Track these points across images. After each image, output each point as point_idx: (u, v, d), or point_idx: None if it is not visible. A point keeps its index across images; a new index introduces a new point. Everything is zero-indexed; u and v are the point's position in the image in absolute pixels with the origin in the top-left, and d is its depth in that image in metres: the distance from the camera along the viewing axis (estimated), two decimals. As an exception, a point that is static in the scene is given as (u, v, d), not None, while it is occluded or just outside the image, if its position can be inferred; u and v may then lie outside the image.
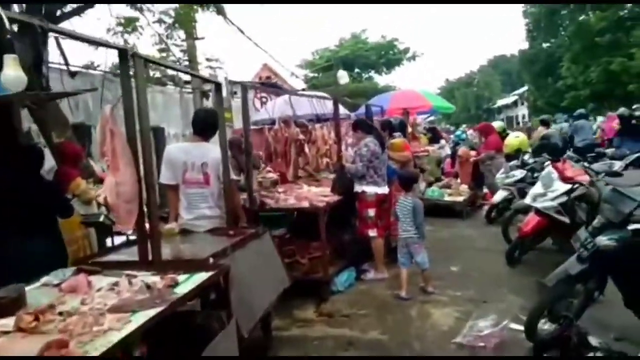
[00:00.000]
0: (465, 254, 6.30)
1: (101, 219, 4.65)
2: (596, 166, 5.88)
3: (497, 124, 10.92)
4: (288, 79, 25.21)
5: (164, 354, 2.58)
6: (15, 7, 6.28)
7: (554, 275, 3.53)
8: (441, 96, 22.55)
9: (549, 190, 5.33)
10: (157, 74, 13.84)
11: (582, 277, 3.46)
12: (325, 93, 9.52)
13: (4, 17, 1.98)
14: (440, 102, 13.97)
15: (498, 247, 6.42)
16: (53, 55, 10.89)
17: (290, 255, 5.53)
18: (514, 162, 7.91)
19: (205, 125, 3.96)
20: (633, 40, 24.26)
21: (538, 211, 5.37)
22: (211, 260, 2.86)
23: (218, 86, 3.99)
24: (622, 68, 23.37)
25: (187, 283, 2.55)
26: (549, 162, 6.94)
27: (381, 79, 33.65)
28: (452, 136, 18.14)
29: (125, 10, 9.31)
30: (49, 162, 6.05)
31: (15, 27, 7.11)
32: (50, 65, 10.06)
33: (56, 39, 10.29)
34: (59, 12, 7.91)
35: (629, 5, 26.04)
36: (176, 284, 2.51)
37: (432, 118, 25.19)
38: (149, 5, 9.66)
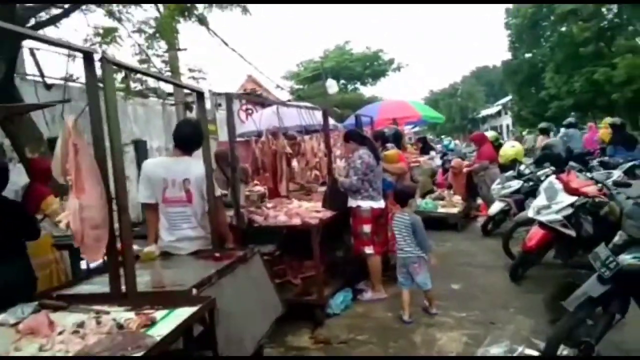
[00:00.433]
0: (466, 270, 5.98)
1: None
2: (595, 175, 5.66)
3: (490, 134, 10.70)
4: (273, 90, 24.94)
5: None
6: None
7: (574, 299, 3.23)
8: (427, 107, 22.42)
9: (553, 203, 5.06)
10: (139, 86, 13.41)
11: (604, 299, 3.17)
12: (313, 104, 9.21)
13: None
14: (429, 112, 13.77)
15: (499, 262, 6.13)
16: (28, 67, 10.50)
17: (281, 275, 5.19)
18: (509, 173, 7.66)
19: (189, 139, 3.60)
20: (615, 50, 24.52)
21: (542, 224, 5.09)
22: (194, 291, 2.49)
23: (200, 95, 3.64)
24: (606, 77, 23.52)
25: (167, 321, 2.18)
26: (549, 173, 6.73)
27: (367, 90, 33.63)
28: (439, 146, 17.99)
29: (103, 20, 8.95)
30: (23, 179, 5.64)
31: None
32: (24, 77, 9.68)
33: (31, 49, 9.93)
34: (32, 21, 7.53)
35: (609, 15, 26.38)
36: (153, 323, 2.14)
37: (417, 129, 25.09)
38: (128, 15, 9.32)
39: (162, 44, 10.72)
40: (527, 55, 33.50)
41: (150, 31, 10.01)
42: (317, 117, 6.81)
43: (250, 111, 16.12)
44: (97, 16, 9.00)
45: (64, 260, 4.45)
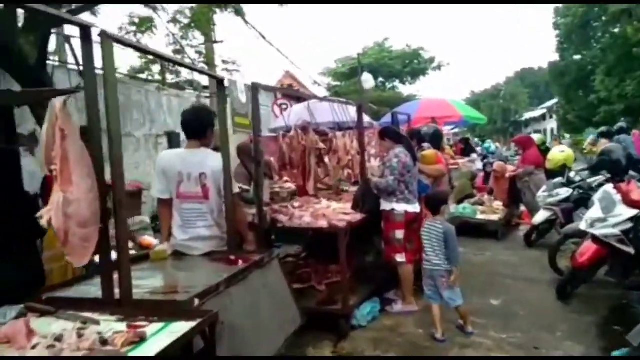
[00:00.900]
0: (506, 284, 5.49)
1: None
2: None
3: (536, 137, 10.03)
4: (310, 86, 24.68)
5: None
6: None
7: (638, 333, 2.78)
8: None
9: (609, 216, 4.54)
10: (174, 78, 13.34)
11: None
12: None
13: None
14: (471, 112, 13.13)
15: (544, 276, 5.62)
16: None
17: (305, 279, 4.85)
18: (558, 180, 7.09)
19: (197, 124, 3.33)
20: (673, 52, 23.05)
21: (596, 239, 4.58)
22: (196, 302, 2.17)
23: (220, 82, 3.34)
24: (661, 81, 22.16)
25: (159, 338, 1.87)
26: (602, 181, 6.17)
27: (405, 89, 32.83)
28: (479, 149, 17.31)
29: (138, 8, 8.82)
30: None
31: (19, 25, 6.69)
32: (61, 64, 9.67)
33: (66, 37, 9.93)
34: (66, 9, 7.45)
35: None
36: (142, 339, 1.83)
37: (456, 130, 24.32)
38: (163, 5, 9.18)
39: (197, 35, 10.57)
40: (576, 56, 32.01)
41: (186, 21, 9.86)
42: (352, 113, 6.44)
43: (284, 106, 15.90)
44: (132, 5, 8.90)
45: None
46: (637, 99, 24.90)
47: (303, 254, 6.22)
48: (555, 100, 41.45)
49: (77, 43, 9.63)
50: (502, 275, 5.84)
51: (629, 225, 4.42)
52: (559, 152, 8.36)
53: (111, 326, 1.97)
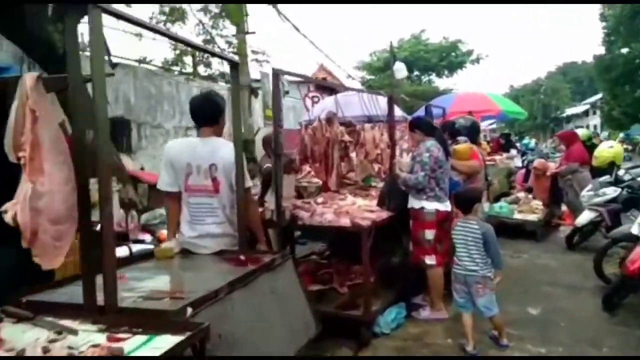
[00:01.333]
0: (546, 291, 5.06)
1: (98, 227, 3.84)
2: None
3: (582, 132, 9.42)
4: (345, 80, 24.29)
5: None
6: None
7: None
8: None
9: (666, 219, 4.07)
10: (207, 70, 13.22)
11: None
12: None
13: None
14: (510, 107, 12.49)
15: (587, 282, 5.18)
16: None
17: (326, 281, 4.55)
18: (605, 178, 6.56)
19: (207, 110, 3.08)
20: None
21: (649, 245, 4.12)
22: (189, 311, 1.91)
23: (234, 65, 3.08)
24: None
25: (141, 352, 1.62)
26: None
27: (441, 82, 31.95)
28: (517, 145, 16.62)
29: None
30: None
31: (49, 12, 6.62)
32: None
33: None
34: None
35: None
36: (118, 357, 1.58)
37: (494, 126, 23.49)
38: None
39: (228, 24, 10.42)
40: (624, 49, 30.45)
41: (216, 10, 9.71)
42: (383, 106, 6.10)
43: (316, 99, 15.62)
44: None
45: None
46: (690, 95, 23.49)
47: (327, 252, 5.95)
48: (599, 96, 39.72)
49: (107, 32, 9.59)
50: (540, 281, 5.40)
51: (689, 231, 3.96)
52: (607, 149, 7.76)
53: (89, 337, 1.73)
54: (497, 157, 10.46)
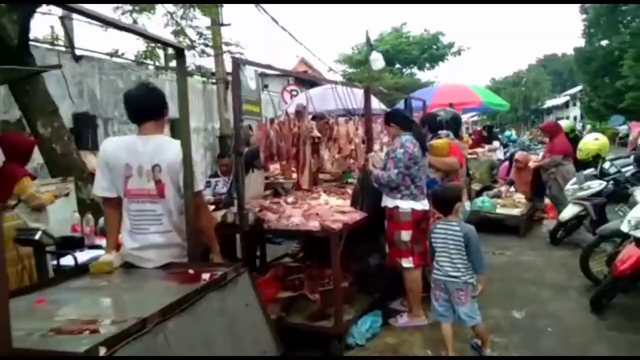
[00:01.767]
0: (530, 292, 4.79)
1: (37, 236, 3.46)
2: None
3: (565, 124, 9.20)
4: (326, 74, 23.89)
5: None
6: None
7: None
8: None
9: (658, 215, 3.82)
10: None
11: None
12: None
13: None
14: (491, 98, 12.27)
15: (573, 281, 4.94)
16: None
17: (297, 287, 4.20)
18: (589, 171, 6.35)
19: (150, 101, 2.71)
20: None
21: (640, 243, 3.87)
22: (102, 351, 1.55)
23: (180, 52, 2.71)
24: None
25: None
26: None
27: (423, 75, 31.73)
28: (500, 137, 16.46)
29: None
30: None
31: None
32: (51, 47, 9.13)
33: (61, 17, 9.37)
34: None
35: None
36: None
37: (476, 118, 23.35)
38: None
39: (199, 15, 9.97)
40: (604, 42, 30.59)
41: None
42: (360, 99, 5.78)
43: (295, 92, 15.24)
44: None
45: (31, 260, 3.67)
46: (668, 85, 23.65)
47: (300, 254, 5.61)
48: (579, 88, 40.05)
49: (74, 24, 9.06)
50: (525, 280, 5.14)
51: (681, 227, 3.71)
52: (593, 141, 7.54)
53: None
54: (479, 150, 10.24)
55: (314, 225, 3.57)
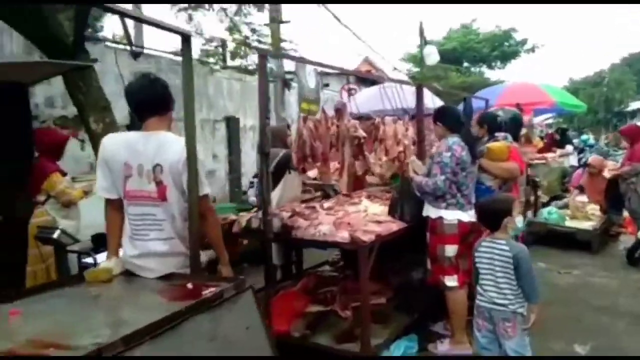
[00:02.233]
0: (600, 321, 4.16)
1: (55, 235, 3.34)
2: None
3: (651, 127, 8.20)
4: (390, 73, 23.34)
5: None
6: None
7: None
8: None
9: None
10: (244, 63, 12.73)
11: None
12: (428, 88, 7.56)
13: None
14: (566, 99, 11.25)
15: (654, 312, 4.24)
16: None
17: (328, 301, 3.86)
18: (678, 183, 5.51)
19: (154, 94, 2.44)
20: None
21: None
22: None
23: (186, 39, 2.43)
24: None
25: None
26: None
27: (493, 74, 30.22)
28: (575, 141, 15.22)
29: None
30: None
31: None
32: (109, 44, 9.32)
33: (121, 14, 9.58)
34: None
35: None
36: None
37: (550, 120, 21.88)
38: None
39: (254, 12, 9.85)
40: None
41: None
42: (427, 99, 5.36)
43: (354, 91, 14.87)
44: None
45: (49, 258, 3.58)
46: None
47: (341, 263, 5.26)
48: (669, 89, 36.68)
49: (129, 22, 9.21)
50: (594, 306, 4.49)
51: None
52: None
53: None
54: (549, 155, 9.39)
55: (342, 236, 3.20)
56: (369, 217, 3.68)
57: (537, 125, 14.05)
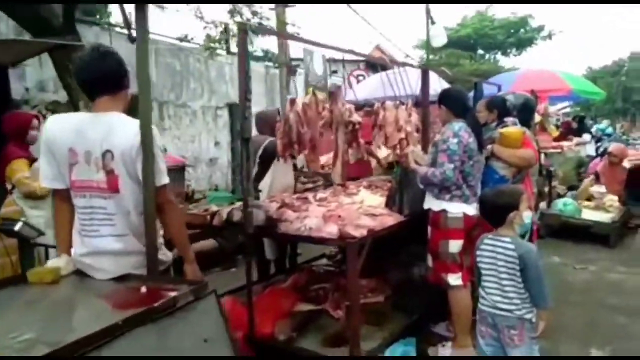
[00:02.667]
0: (618, 322, 3.80)
1: (17, 227, 3.06)
2: None
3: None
4: (402, 60, 22.82)
5: None
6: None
7: None
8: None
9: None
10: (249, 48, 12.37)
11: None
12: (439, 74, 7.15)
13: None
14: (583, 86, 10.70)
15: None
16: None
17: (319, 299, 3.55)
18: None
19: (105, 68, 2.11)
20: None
21: None
22: None
23: (140, 8, 2.11)
24: None
25: None
26: None
27: (508, 62, 29.41)
28: (593, 130, 14.67)
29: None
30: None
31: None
32: (105, 27, 9.02)
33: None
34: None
35: None
36: None
37: (568, 109, 21.19)
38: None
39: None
40: None
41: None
42: (434, 84, 5.01)
43: (362, 77, 14.47)
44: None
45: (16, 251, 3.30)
46: None
47: (339, 256, 4.94)
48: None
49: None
50: (612, 306, 4.12)
51: None
52: None
53: None
54: (565, 144, 8.94)
55: (329, 231, 2.87)
56: (364, 209, 3.34)
57: (553, 114, 13.53)
